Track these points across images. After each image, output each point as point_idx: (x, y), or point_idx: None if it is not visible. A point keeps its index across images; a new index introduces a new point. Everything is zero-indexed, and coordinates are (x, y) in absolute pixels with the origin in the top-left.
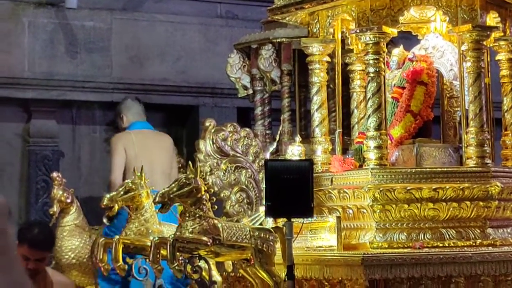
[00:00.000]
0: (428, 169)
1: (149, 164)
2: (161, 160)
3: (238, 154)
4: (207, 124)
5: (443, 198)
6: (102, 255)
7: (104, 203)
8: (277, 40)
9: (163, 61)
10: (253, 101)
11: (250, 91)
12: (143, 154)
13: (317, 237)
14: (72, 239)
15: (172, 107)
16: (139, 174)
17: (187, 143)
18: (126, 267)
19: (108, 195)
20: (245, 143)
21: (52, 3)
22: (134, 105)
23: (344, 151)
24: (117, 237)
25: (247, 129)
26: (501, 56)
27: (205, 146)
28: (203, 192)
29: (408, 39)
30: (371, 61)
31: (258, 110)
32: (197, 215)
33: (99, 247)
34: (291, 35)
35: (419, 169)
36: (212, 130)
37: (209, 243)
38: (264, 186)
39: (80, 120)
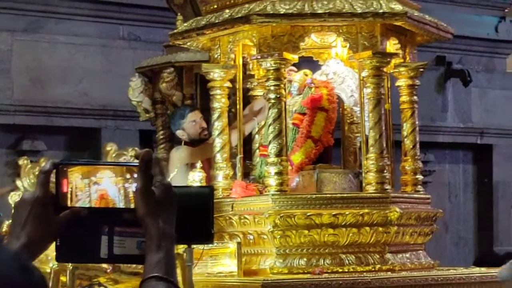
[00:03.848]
0: (328, 195)
1: None
2: None
3: None
4: (108, 148)
5: (342, 223)
6: None
7: None
8: (179, 64)
9: (65, 83)
10: (155, 124)
11: (152, 115)
12: None
13: (218, 263)
14: None
15: (75, 130)
16: None
17: None
18: None
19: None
20: None
21: None
22: None
23: (246, 175)
24: None
25: None
26: (401, 82)
27: None
28: None
29: (311, 62)
30: (271, 87)
31: (160, 134)
32: None
33: None
34: (193, 59)
35: (319, 195)
36: (113, 155)
37: (108, 270)
38: None
39: None
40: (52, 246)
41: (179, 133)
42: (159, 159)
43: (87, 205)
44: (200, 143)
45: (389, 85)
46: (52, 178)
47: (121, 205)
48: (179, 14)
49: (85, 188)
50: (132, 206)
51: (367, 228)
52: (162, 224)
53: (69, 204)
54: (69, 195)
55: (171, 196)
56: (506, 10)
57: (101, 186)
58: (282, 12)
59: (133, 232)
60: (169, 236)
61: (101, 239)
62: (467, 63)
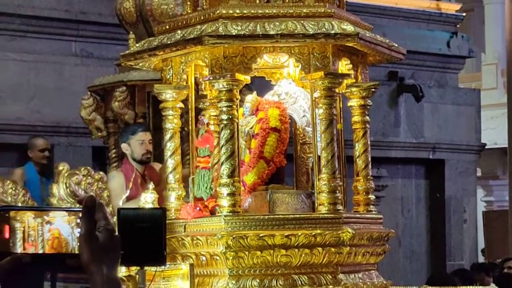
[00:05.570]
0: (280, 216)
1: None
2: None
3: None
4: (60, 168)
5: (295, 244)
6: None
7: None
8: (131, 83)
9: (17, 100)
10: (107, 143)
11: (104, 133)
12: None
13: (170, 285)
14: None
15: (27, 147)
16: None
17: None
18: None
19: None
20: (98, 187)
21: None
22: None
23: None
24: None
25: (101, 173)
26: (353, 103)
27: (59, 190)
28: None
29: (263, 82)
30: (224, 109)
31: (112, 153)
32: None
33: None
34: (145, 77)
35: (271, 216)
36: (66, 174)
37: None
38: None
39: None
40: None
41: (123, 146)
42: (102, 204)
43: (40, 244)
44: (141, 164)
45: (341, 105)
46: None
47: (74, 244)
48: (131, 32)
49: (37, 228)
50: None
51: (320, 249)
52: (106, 271)
53: (19, 245)
54: (21, 235)
55: (115, 241)
56: (458, 26)
57: (53, 225)
58: (234, 33)
59: (76, 278)
60: (113, 282)
61: (43, 286)
62: (419, 78)
